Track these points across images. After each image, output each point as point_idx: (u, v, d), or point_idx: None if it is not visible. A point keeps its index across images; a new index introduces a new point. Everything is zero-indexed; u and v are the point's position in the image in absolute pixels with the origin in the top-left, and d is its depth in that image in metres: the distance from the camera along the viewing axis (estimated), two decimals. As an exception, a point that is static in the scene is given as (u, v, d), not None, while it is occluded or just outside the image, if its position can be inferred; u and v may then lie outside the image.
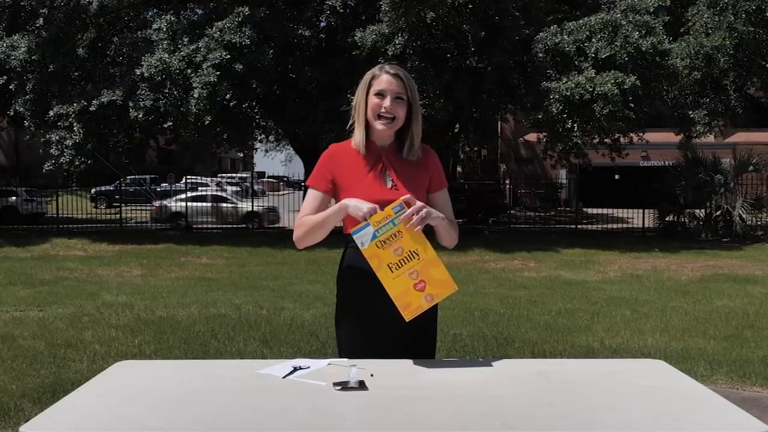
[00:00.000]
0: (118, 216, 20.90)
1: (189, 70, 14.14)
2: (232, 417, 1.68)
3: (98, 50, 16.45)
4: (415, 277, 2.06)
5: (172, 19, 15.48)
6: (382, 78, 2.23)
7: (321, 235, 2.24)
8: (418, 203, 2.10)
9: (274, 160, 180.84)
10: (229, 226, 20.39)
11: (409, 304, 2.06)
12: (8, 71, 15.72)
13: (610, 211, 22.99)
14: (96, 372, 2.43)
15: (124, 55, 15.99)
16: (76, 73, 16.12)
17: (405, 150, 2.29)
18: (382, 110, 2.21)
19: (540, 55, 15.25)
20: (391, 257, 2.06)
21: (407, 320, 2.07)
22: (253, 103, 18.68)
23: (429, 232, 2.18)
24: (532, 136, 26.36)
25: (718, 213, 17.51)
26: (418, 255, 2.07)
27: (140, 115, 14.40)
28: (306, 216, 2.27)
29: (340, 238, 2.36)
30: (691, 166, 17.92)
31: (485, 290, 9.20)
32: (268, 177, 47.83)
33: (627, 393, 1.89)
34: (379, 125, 2.23)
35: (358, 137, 2.28)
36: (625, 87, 14.09)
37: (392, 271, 2.06)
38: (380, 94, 2.22)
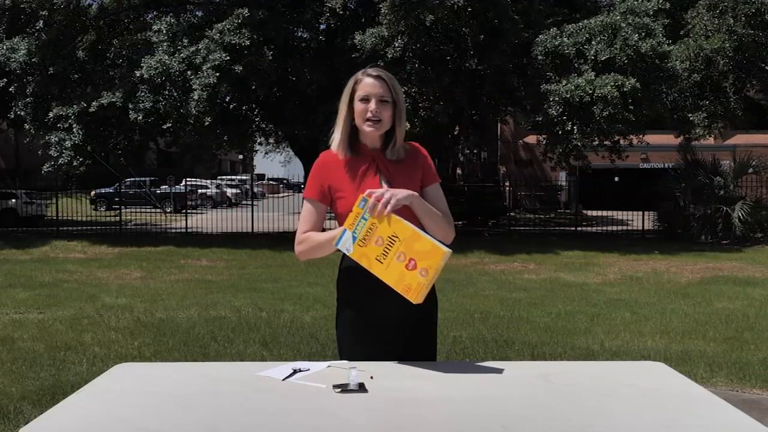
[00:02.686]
0: (117, 218, 20.89)
1: (189, 72, 14.14)
2: (231, 419, 1.68)
3: (98, 52, 16.45)
4: (403, 259, 2.03)
5: (172, 21, 15.49)
6: (365, 81, 2.22)
7: (322, 254, 2.26)
8: (378, 190, 2.09)
9: (273, 162, 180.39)
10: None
11: (409, 286, 2.02)
12: (8, 74, 15.72)
13: (609, 213, 23.00)
14: (96, 374, 2.43)
15: (123, 57, 16.00)
16: (76, 76, 16.12)
17: (388, 150, 2.29)
18: (369, 114, 2.21)
19: (539, 57, 15.26)
20: (376, 250, 2.06)
21: (415, 303, 2.03)
22: (253, 105, 18.69)
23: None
24: (531, 139, 26.38)
25: (717, 215, 17.51)
26: (397, 237, 2.05)
27: (140, 117, 14.40)
28: (308, 233, 2.28)
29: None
30: (691, 168, 17.92)
31: (485, 292, 9.20)
32: (268, 179, 47.78)
33: (627, 395, 1.89)
34: (366, 127, 2.23)
35: (338, 142, 2.28)
36: (625, 89, 14.10)
37: (382, 262, 2.05)
38: (365, 99, 2.21)
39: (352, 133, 2.28)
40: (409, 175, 2.29)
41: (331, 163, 2.30)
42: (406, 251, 2.03)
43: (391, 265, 2.04)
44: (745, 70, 17.69)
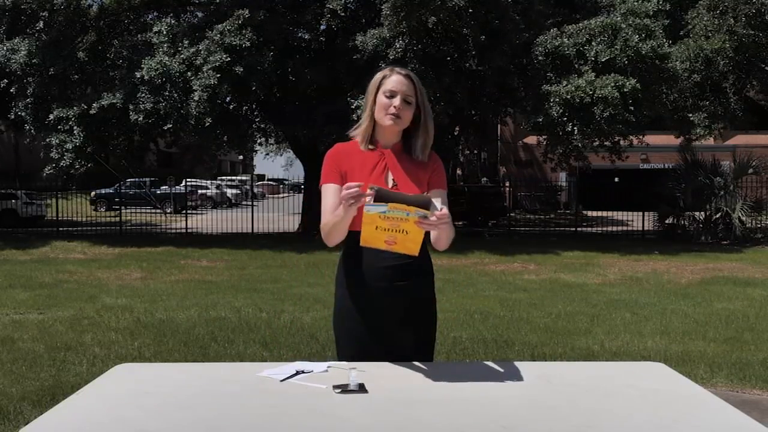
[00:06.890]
0: (117, 219, 20.89)
1: (189, 73, 14.15)
2: (231, 420, 1.68)
3: (98, 53, 16.45)
4: (391, 243, 2.03)
5: (173, 22, 15.51)
6: (393, 78, 2.26)
7: (341, 234, 2.23)
8: (444, 211, 2.04)
9: (274, 162, 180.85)
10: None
11: (366, 241, 2.05)
12: (9, 75, 15.72)
13: (609, 213, 23.00)
14: (96, 375, 2.43)
15: (124, 58, 16.00)
16: (77, 77, 16.12)
17: (417, 149, 2.31)
18: (391, 109, 2.24)
19: (540, 58, 15.27)
20: (383, 224, 2.02)
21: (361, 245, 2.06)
22: (253, 106, 18.70)
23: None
24: (531, 139, 26.39)
25: (717, 215, 17.51)
26: (407, 232, 2.03)
27: (140, 118, 14.40)
28: (324, 221, 2.26)
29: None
30: (691, 168, 17.93)
31: (485, 293, 9.20)
32: (268, 180, 47.83)
33: (627, 396, 1.89)
34: (387, 120, 2.26)
35: (363, 132, 2.31)
36: (625, 90, 14.10)
37: (375, 229, 2.02)
38: (391, 94, 2.24)
39: (372, 127, 2.32)
40: (416, 174, 2.31)
41: (344, 152, 2.34)
42: (398, 240, 2.03)
43: (378, 235, 2.03)
44: (745, 70, 17.70)
